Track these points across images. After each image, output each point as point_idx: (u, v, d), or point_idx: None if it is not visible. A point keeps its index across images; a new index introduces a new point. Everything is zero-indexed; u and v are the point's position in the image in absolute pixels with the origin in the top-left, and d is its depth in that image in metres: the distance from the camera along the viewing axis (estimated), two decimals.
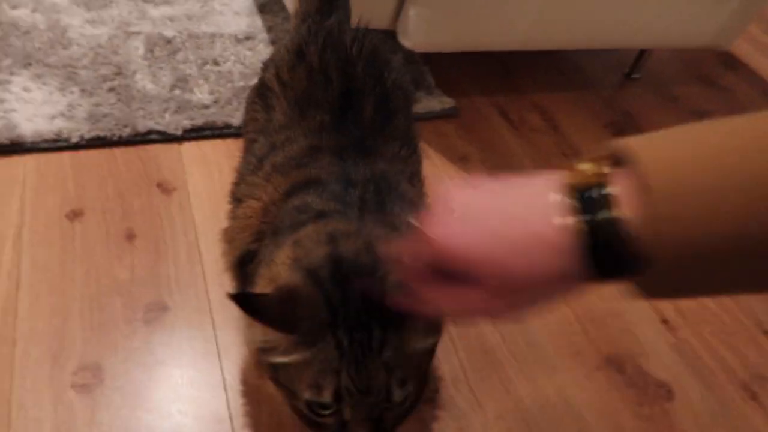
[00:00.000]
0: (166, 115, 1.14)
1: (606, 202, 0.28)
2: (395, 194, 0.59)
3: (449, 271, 0.34)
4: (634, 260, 0.28)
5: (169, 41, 1.31)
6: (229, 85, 1.24)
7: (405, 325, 0.46)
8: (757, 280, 0.29)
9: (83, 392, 0.75)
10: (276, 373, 0.47)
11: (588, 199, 0.28)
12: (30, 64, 1.18)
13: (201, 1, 1.46)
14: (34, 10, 1.32)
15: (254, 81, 0.77)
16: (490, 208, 0.33)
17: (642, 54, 1.55)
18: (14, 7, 1.32)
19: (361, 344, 0.44)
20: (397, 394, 0.46)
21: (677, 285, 0.30)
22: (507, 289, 0.32)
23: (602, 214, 0.28)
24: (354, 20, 0.82)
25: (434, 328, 0.49)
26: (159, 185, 1.03)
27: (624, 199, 0.27)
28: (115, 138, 1.08)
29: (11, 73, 1.16)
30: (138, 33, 1.32)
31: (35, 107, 1.10)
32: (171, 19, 1.39)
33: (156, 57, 1.27)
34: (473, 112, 1.36)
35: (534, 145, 1.31)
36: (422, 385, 0.51)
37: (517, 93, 1.44)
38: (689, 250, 0.27)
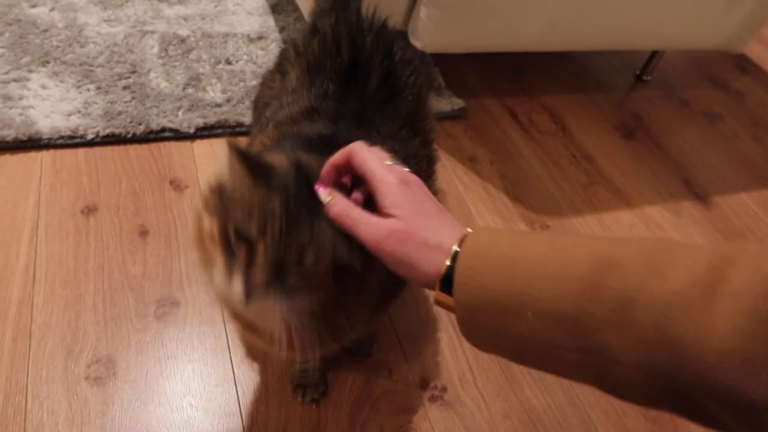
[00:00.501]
0: (179, 114, 1.16)
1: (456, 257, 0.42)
2: None
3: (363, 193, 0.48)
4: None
5: (183, 40, 1.33)
6: (242, 84, 1.25)
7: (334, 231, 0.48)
8: (540, 360, 0.41)
9: (96, 385, 0.76)
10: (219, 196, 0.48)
11: (455, 253, 0.43)
12: (48, 62, 1.21)
13: (215, 1, 1.48)
14: (52, 9, 1.35)
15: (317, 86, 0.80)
16: (433, 207, 0.46)
17: (653, 56, 1.55)
18: (33, 6, 1.34)
19: (299, 207, 0.46)
20: (309, 260, 0.46)
21: (476, 334, 0.43)
22: (399, 239, 0.43)
23: (451, 265, 0.42)
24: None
25: (363, 255, 0.49)
26: (171, 182, 1.04)
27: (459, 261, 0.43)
28: (129, 135, 1.10)
29: (30, 71, 1.18)
30: (153, 32, 1.34)
31: (52, 104, 1.12)
32: (185, 18, 1.41)
33: (170, 56, 1.29)
34: (483, 113, 1.36)
35: (542, 147, 1.31)
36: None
37: (526, 94, 1.45)
38: (474, 305, 0.41)
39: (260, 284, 0.46)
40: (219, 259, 0.47)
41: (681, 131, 1.45)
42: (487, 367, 0.88)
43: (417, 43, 1.18)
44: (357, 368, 0.84)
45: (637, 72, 1.59)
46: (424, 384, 0.84)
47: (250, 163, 0.46)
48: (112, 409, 0.74)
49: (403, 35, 1.19)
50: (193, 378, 0.79)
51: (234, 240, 0.46)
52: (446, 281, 0.42)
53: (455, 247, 0.43)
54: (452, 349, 0.89)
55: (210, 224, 0.47)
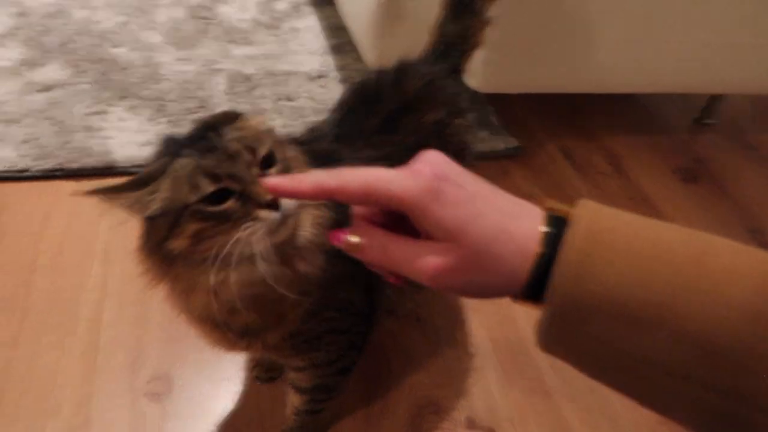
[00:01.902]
0: None
1: (555, 242, 0.34)
2: None
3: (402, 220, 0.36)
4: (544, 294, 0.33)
5: (248, 78, 1.41)
6: (301, 119, 1.31)
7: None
8: (635, 385, 0.34)
9: (154, 400, 0.79)
10: (153, 229, 0.50)
11: (550, 235, 0.34)
12: (126, 97, 1.30)
13: (279, 42, 1.57)
14: (132, 49, 1.46)
15: (324, 117, 0.85)
16: (485, 192, 0.37)
17: (716, 99, 1.52)
18: (115, 46, 1.46)
19: (206, 140, 0.49)
20: (263, 148, 0.48)
21: (566, 338, 0.34)
22: (467, 263, 0.34)
23: (548, 251, 0.34)
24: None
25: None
26: None
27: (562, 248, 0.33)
28: None
29: (110, 105, 1.28)
30: (221, 70, 1.43)
31: (128, 135, 1.21)
32: (251, 57, 1.49)
33: (236, 92, 1.37)
34: (539, 153, 1.36)
35: (599, 188, 1.29)
36: None
37: (583, 135, 1.44)
38: (583, 304, 0.32)
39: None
40: (245, 220, 0.47)
41: (747, 177, 1.40)
42: (540, 411, 0.85)
43: (472, 83, 1.21)
44: (406, 401, 0.84)
45: (700, 115, 1.55)
46: (470, 424, 0.83)
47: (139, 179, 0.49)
48: (168, 425, 0.77)
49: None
50: (244, 399, 0.81)
51: (216, 209, 0.47)
52: (536, 276, 0.34)
53: (543, 228, 0.34)
54: (501, 387, 0.88)
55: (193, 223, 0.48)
